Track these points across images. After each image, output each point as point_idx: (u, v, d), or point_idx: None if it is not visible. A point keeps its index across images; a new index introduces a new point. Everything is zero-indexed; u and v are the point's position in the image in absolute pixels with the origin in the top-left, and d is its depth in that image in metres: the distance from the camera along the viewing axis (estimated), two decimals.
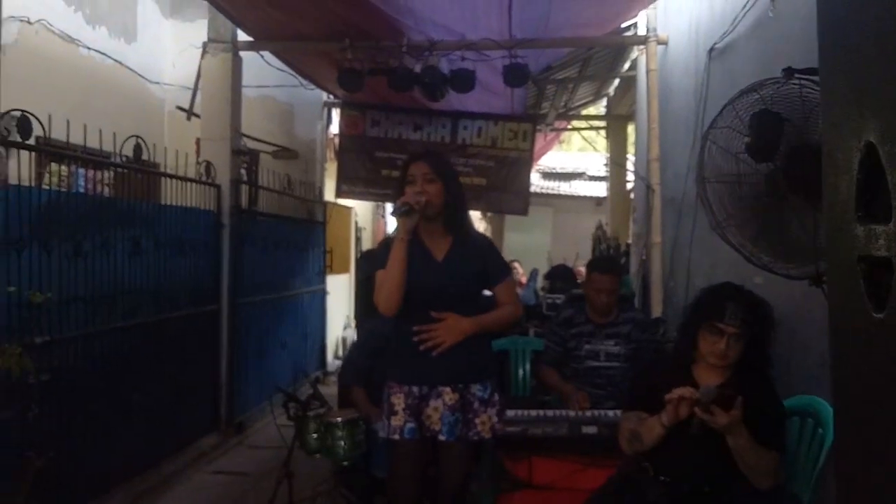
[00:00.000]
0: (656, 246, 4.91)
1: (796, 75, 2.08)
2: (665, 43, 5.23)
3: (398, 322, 2.69)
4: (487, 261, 2.73)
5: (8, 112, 3.17)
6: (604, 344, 3.53)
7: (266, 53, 5.90)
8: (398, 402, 2.65)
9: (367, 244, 9.92)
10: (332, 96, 7.64)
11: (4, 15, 2.99)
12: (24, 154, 3.27)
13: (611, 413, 3.06)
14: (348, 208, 9.17)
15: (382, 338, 3.49)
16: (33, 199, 3.31)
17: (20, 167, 3.27)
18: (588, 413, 3.14)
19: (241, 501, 4.05)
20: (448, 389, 2.62)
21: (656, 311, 4.69)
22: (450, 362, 2.61)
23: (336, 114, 7.91)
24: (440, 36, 5.30)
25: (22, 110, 3.22)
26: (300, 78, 6.58)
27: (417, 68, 5.28)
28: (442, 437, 2.60)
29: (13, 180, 3.21)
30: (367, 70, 5.31)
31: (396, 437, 2.62)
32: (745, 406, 2.16)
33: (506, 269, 2.85)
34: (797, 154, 2.04)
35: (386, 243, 2.75)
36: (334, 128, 8.05)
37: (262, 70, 6.21)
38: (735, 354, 2.34)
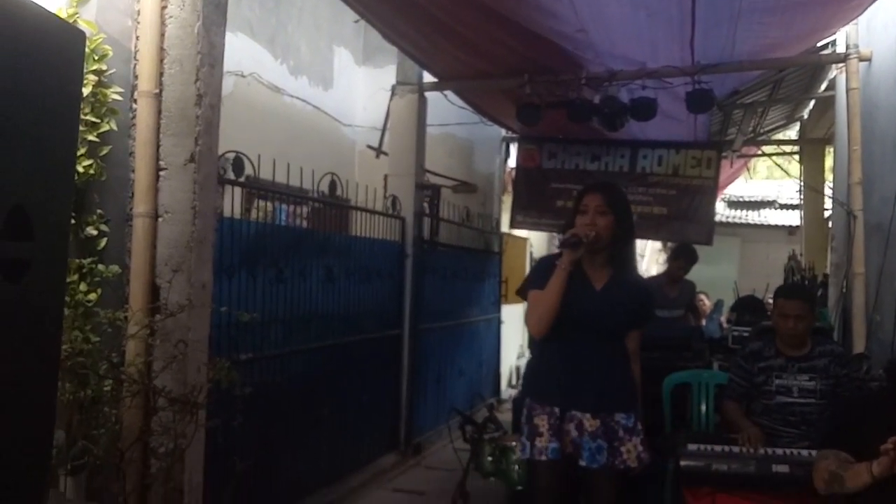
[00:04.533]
0: (859, 276, 4.49)
1: None
2: (868, 59, 4.84)
3: (544, 343, 2.76)
4: (642, 302, 2.78)
5: (224, 154, 3.58)
6: (797, 379, 3.26)
7: (448, 93, 6.19)
8: (542, 423, 2.67)
9: None
10: (510, 131, 7.81)
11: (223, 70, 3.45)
12: (236, 191, 3.68)
13: (805, 452, 2.84)
14: (523, 239, 9.26)
15: None
16: (243, 229, 3.70)
17: (233, 202, 3.68)
18: (780, 451, 2.93)
19: None
20: (588, 416, 2.64)
21: (858, 346, 4.28)
22: (592, 388, 2.64)
23: (514, 148, 8.07)
24: (619, 66, 5.27)
25: (236, 152, 3.62)
26: (480, 115, 6.81)
27: (596, 99, 5.28)
28: (583, 463, 2.61)
29: (225, 214, 3.61)
30: (545, 103, 5.39)
31: (543, 458, 2.64)
32: None
33: (650, 317, 2.88)
34: None
35: (542, 263, 2.86)
36: (511, 161, 8.20)
37: (444, 109, 6.51)
38: None
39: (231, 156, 3.60)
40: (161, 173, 2.87)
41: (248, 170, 3.71)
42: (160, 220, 2.86)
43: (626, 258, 2.79)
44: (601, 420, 2.62)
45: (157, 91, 2.84)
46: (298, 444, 4.16)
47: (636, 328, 2.76)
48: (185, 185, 2.87)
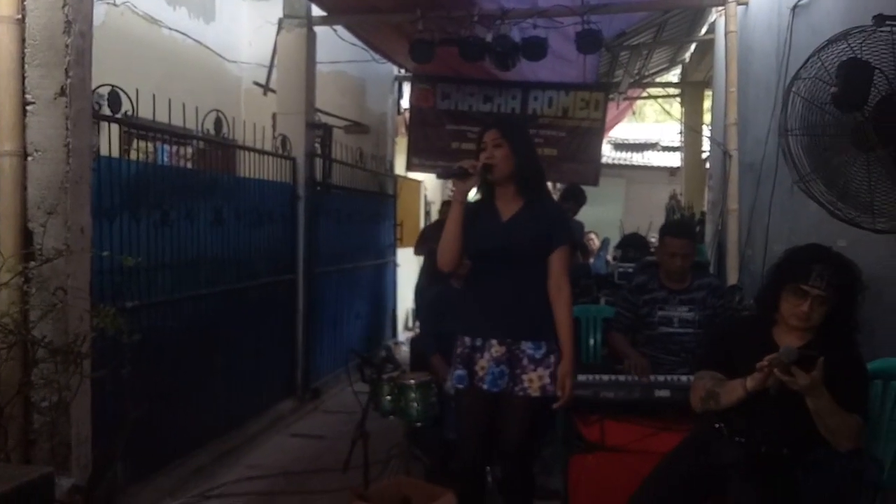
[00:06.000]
0: (733, 213, 4.78)
1: (887, 22, 1.99)
2: (745, 3, 5.05)
3: (467, 277, 2.81)
4: (552, 226, 2.73)
5: (97, 88, 3.33)
6: (677, 310, 3.48)
7: (339, 28, 5.99)
8: (457, 351, 2.77)
9: (435, 217, 9.98)
10: (402, 70, 7.69)
11: None
12: (114, 129, 3.44)
13: (684, 378, 3.04)
14: (418, 182, 9.24)
15: (447, 302, 3.56)
16: (123, 169, 3.48)
17: (110, 142, 3.44)
18: (662, 377, 3.12)
19: (318, 461, 4.20)
20: (495, 342, 2.69)
21: (732, 278, 4.58)
22: (501, 317, 2.69)
23: (407, 88, 7.96)
24: (511, 4, 5.25)
25: (112, 85, 3.37)
26: (372, 52, 6.65)
27: (489, 37, 5.25)
28: (483, 387, 2.68)
29: (103, 153, 3.37)
30: (438, 40, 5.32)
31: (456, 384, 2.74)
32: (826, 368, 2.11)
33: (566, 239, 2.81)
34: (888, 104, 1.95)
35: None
36: (405, 102, 8.10)
37: (334, 45, 6.30)
38: (818, 317, 2.28)
39: (106, 90, 3.35)
40: (28, 108, 2.63)
41: (126, 106, 3.46)
42: (30, 158, 2.64)
43: (534, 186, 2.75)
44: (507, 347, 2.68)
45: (20, 16, 2.58)
46: (193, 392, 4.05)
47: (550, 253, 2.70)
48: (57, 120, 2.65)
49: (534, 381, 2.66)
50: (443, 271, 2.90)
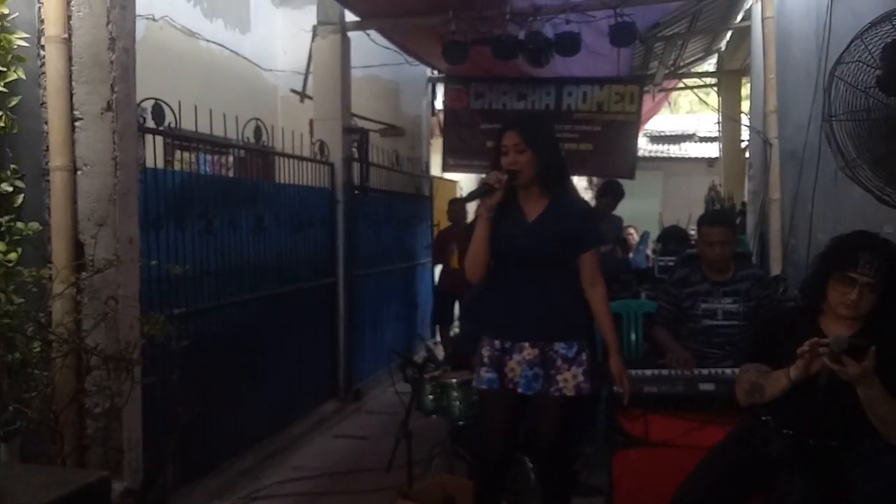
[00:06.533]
0: (775, 202, 4.70)
1: None
2: None
3: (489, 278, 2.77)
4: (581, 226, 2.70)
5: (141, 102, 3.42)
6: (721, 302, 3.43)
7: (372, 32, 6.05)
8: (485, 353, 2.74)
9: (472, 217, 9.98)
10: (436, 72, 7.73)
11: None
12: (158, 141, 3.52)
13: (728, 371, 3.00)
14: (454, 182, 9.27)
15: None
16: (168, 180, 3.57)
17: (155, 153, 3.53)
18: (706, 371, 3.09)
19: (362, 461, 4.25)
20: (527, 345, 2.66)
21: (775, 269, 4.51)
22: (532, 319, 2.66)
23: (440, 89, 7.99)
24: (543, 1, 5.25)
25: (156, 99, 3.46)
26: (405, 55, 6.69)
27: (521, 35, 5.26)
28: (519, 391, 2.66)
29: (147, 165, 3.46)
30: (470, 41, 5.34)
31: (483, 387, 2.71)
32: (878, 357, 2.07)
33: (596, 239, 2.79)
34: None
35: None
36: (438, 104, 8.14)
37: (368, 50, 6.37)
38: (867, 305, 2.23)
39: (149, 104, 3.44)
40: (76, 124, 2.72)
41: (169, 118, 3.56)
42: (79, 173, 2.73)
43: (559, 186, 2.72)
44: (539, 349, 2.65)
45: (66, 35, 2.67)
46: (238, 396, 4.13)
47: (580, 252, 2.69)
48: (104, 135, 2.74)
49: (568, 380, 2.64)
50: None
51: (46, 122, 2.69)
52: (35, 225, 2.65)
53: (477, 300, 3.92)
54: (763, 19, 4.95)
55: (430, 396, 3.42)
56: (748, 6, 6.52)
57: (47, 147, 2.69)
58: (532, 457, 3.06)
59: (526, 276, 2.69)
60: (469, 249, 2.75)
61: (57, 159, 2.68)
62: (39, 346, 2.55)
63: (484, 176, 2.78)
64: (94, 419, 2.75)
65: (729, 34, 8.79)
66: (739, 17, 7.60)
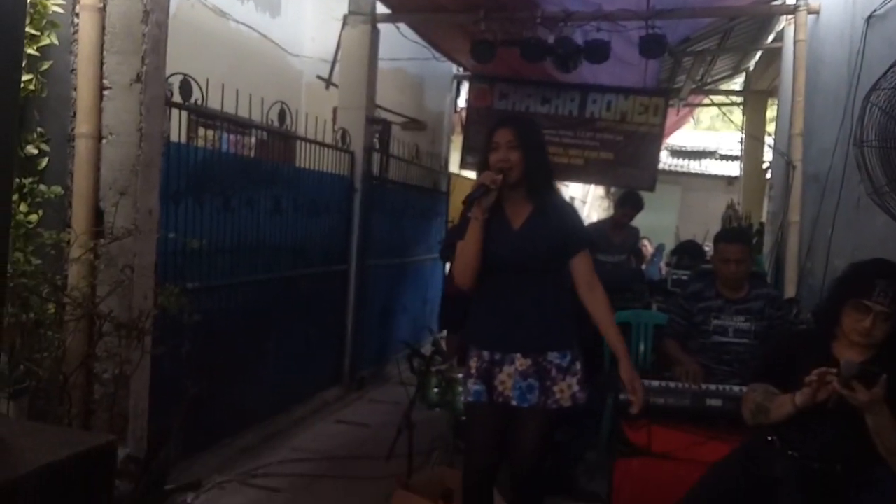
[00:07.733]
0: (794, 225, 4.67)
1: None
2: (816, 12, 4.93)
3: (478, 288, 2.62)
4: (568, 230, 2.59)
5: (169, 77, 3.44)
6: (733, 320, 3.42)
7: (401, 25, 6.04)
8: (473, 365, 2.61)
9: None
10: (461, 69, 7.72)
11: None
12: (180, 116, 3.54)
13: (737, 388, 2.99)
14: (471, 179, 9.25)
15: None
16: (190, 155, 3.59)
17: (180, 128, 3.55)
18: (714, 387, 3.08)
19: (362, 448, 4.25)
20: (519, 356, 2.54)
21: (790, 291, 4.48)
22: (523, 329, 2.54)
23: (465, 87, 7.99)
24: (575, 7, 5.24)
25: (184, 74, 3.48)
26: (433, 50, 6.69)
27: (551, 39, 5.25)
28: (514, 403, 2.53)
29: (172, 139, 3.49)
30: (499, 41, 5.34)
31: (470, 399, 2.59)
32: (888, 385, 2.06)
33: (585, 241, 2.66)
34: None
35: (465, 219, 2.63)
36: (462, 101, 8.13)
37: (395, 43, 6.36)
38: (880, 334, 2.22)
39: (177, 79, 3.46)
40: (105, 93, 2.75)
41: (196, 95, 3.57)
42: (104, 141, 2.76)
43: (544, 191, 2.60)
44: (532, 360, 2.54)
45: (101, 5, 2.70)
46: (244, 374, 4.16)
47: (570, 256, 2.57)
48: (131, 105, 2.77)
49: (564, 390, 2.53)
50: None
51: (75, 89, 2.72)
52: (57, 189, 2.68)
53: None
54: (795, 42, 4.93)
55: (436, 389, 3.43)
56: (780, 28, 6.49)
57: (74, 113, 2.72)
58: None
59: (514, 284, 2.57)
60: (458, 255, 2.59)
61: (83, 126, 2.71)
62: (54, 308, 2.58)
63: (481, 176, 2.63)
64: (103, 384, 2.78)
65: (759, 54, 8.76)
66: (770, 38, 7.58)
